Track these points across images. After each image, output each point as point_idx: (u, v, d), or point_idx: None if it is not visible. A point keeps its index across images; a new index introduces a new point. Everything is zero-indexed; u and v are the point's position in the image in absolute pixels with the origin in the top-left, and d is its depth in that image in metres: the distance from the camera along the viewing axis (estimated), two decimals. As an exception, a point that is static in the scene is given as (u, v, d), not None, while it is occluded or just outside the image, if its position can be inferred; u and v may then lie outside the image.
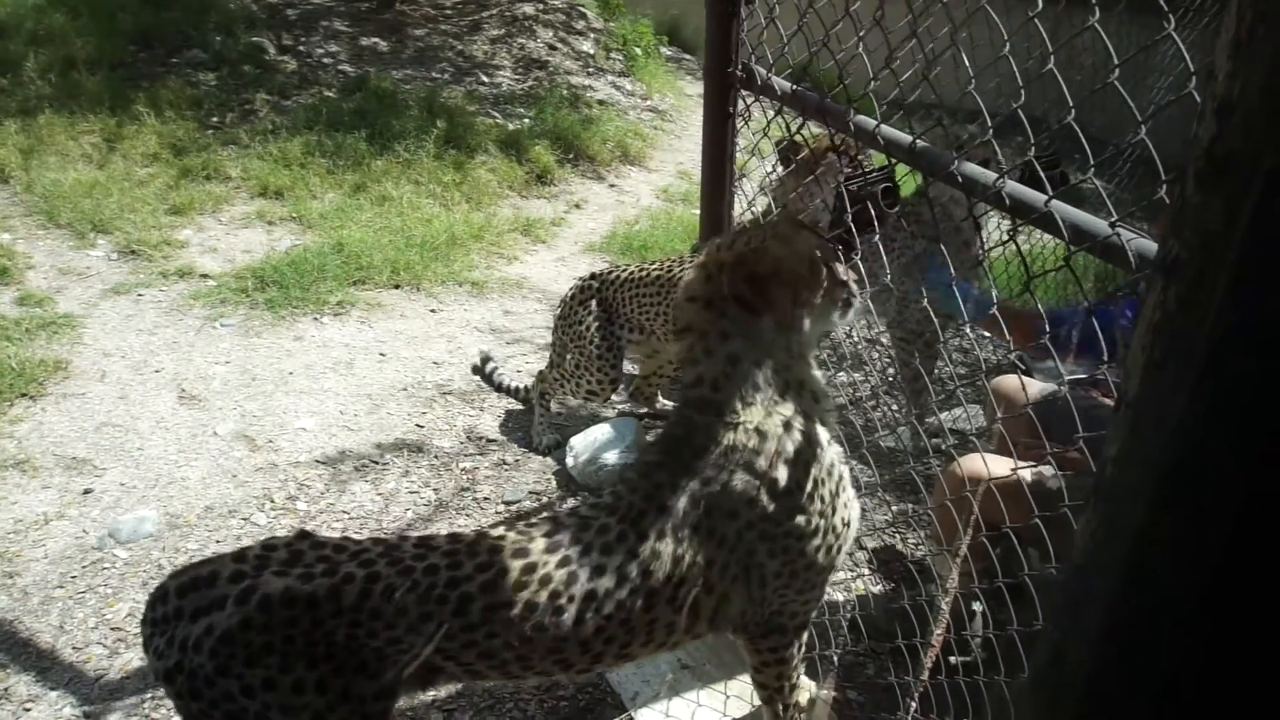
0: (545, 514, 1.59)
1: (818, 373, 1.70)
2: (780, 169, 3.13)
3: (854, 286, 1.71)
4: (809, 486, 1.61)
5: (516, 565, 1.46)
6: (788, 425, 1.58)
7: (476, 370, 3.98)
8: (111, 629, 2.55)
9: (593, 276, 3.37)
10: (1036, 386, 2.46)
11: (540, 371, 3.59)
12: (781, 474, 1.57)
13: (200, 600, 1.39)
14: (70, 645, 2.49)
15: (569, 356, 3.36)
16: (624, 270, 3.29)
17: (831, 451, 1.68)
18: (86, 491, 3.09)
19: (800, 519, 1.61)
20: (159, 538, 2.91)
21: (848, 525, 1.73)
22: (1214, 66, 0.54)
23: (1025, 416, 1.89)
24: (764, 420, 1.57)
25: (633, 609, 1.52)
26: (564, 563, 1.48)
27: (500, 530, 1.55)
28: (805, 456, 1.60)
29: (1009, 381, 2.55)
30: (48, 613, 2.60)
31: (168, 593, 1.43)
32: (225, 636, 1.35)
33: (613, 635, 1.53)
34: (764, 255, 1.56)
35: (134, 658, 2.46)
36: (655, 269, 3.19)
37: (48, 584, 2.70)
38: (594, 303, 3.30)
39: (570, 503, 3.20)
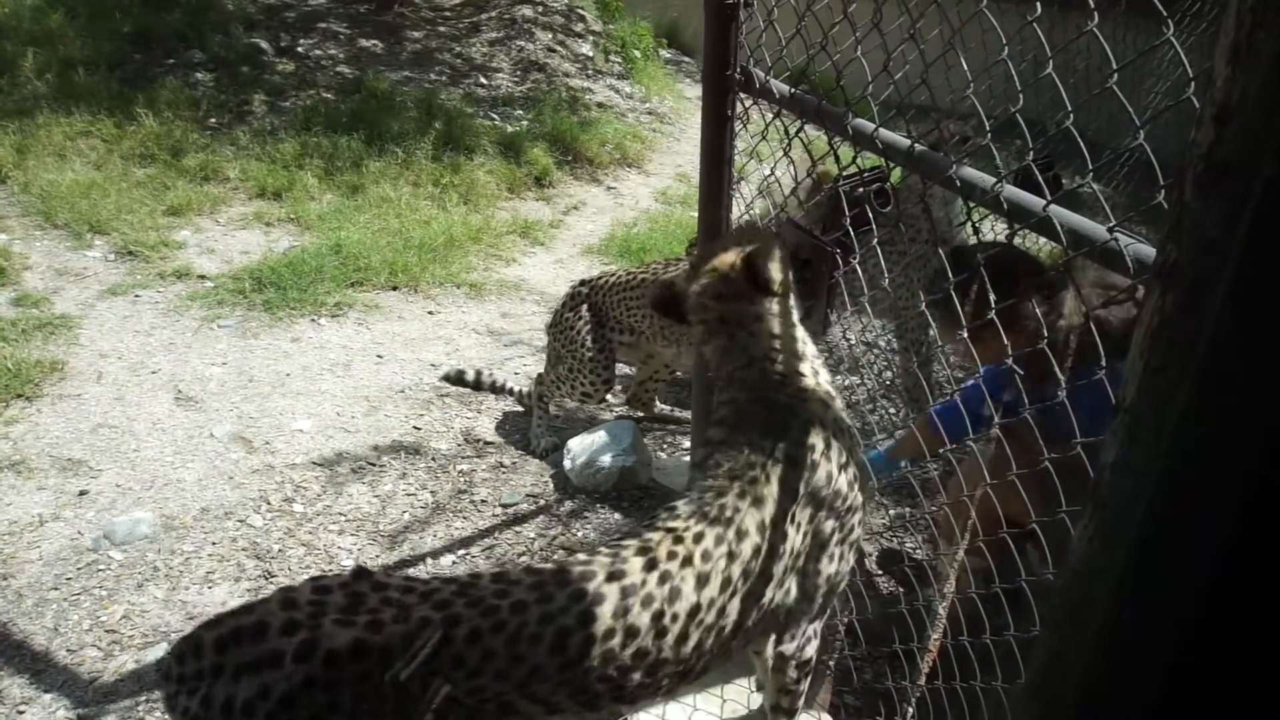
0: (626, 536, 1.50)
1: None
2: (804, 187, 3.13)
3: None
4: (854, 455, 1.67)
5: (613, 589, 1.36)
6: (830, 394, 1.69)
7: (462, 383, 3.76)
8: (106, 631, 2.54)
9: (582, 283, 3.47)
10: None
11: (539, 374, 3.60)
12: (844, 442, 1.64)
13: (246, 655, 1.21)
14: (65, 647, 2.48)
15: (563, 361, 3.40)
16: (613, 275, 3.40)
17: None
18: (82, 493, 3.08)
19: (855, 489, 1.65)
20: (155, 539, 2.90)
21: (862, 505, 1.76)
22: (1213, 72, 0.54)
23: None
24: (817, 384, 1.67)
25: (731, 613, 1.46)
26: (664, 578, 1.39)
27: (583, 557, 1.45)
28: (843, 424, 1.68)
29: None
30: (42, 615, 2.58)
31: (203, 645, 1.24)
32: (286, 699, 1.18)
33: (706, 648, 1.46)
34: (768, 248, 1.67)
35: (128, 660, 2.45)
36: (642, 273, 3.31)
37: (42, 586, 2.69)
38: (584, 308, 3.39)
39: (568, 505, 3.20)
